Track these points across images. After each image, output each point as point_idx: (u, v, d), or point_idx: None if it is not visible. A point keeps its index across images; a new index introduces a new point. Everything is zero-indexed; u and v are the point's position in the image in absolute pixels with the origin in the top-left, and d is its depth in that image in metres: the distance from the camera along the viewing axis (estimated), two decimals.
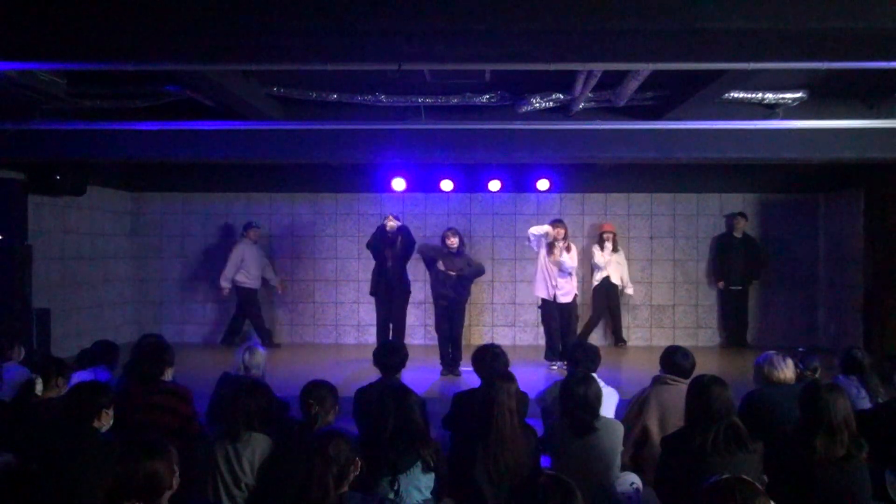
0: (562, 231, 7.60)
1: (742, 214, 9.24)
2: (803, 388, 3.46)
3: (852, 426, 3.15)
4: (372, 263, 7.79)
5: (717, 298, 9.47)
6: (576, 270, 7.71)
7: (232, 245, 9.04)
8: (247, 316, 8.97)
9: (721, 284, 9.26)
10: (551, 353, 7.65)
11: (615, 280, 8.97)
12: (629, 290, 9.05)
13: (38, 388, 3.99)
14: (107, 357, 4.86)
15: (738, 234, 9.17)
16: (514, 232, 9.58)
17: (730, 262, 9.13)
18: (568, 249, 7.63)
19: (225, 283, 8.75)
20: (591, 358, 4.37)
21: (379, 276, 7.67)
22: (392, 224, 7.44)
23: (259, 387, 3.67)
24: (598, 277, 8.95)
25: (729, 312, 9.33)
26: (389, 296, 7.66)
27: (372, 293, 7.80)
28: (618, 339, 9.23)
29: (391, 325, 7.69)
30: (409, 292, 7.79)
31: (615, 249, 8.99)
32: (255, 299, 8.93)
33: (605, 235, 8.99)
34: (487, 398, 3.43)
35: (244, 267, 8.77)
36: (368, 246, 7.74)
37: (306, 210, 9.77)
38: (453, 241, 7.27)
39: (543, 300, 7.64)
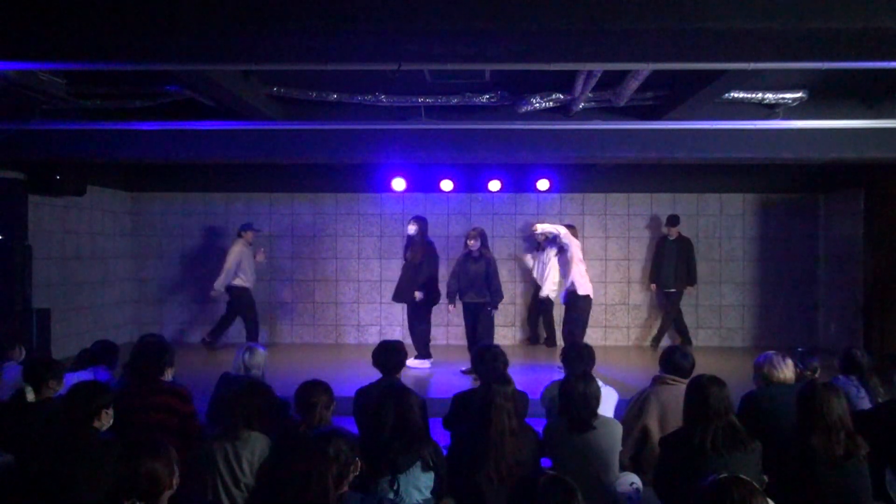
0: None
1: (670, 219, 9.15)
2: (800, 388, 3.47)
3: (848, 424, 3.16)
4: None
5: (656, 300, 9.40)
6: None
7: (226, 247, 8.89)
8: (241, 317, 8.75)
9: (653, 287, 9.24)
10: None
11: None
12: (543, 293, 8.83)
13: (30, 396, 3.94)
14: (107, 357, 4.85)
15: (671, 237, 9.12)
16: (513, 232, 9.59)
17: (663, 264, 9.10)
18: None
19: (219, 288, 8.53)
20: (584, 358, 4.37)
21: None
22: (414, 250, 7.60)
23: (259, 387, 3.68)
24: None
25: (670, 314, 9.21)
26: (404, 298, 7.73)
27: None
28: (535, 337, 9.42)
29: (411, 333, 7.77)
30: (418, 298, 7.57)
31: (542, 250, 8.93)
32: (250, 299, 8.78)
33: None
34: (485, 401, 3.43)
35: (241, 269, 8.57)
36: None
37: (306, 210, 9.77)
38: (473, 243, 7.39)
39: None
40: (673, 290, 9.07)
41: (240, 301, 8.66)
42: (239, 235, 8.76)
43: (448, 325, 9.20)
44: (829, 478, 3.04)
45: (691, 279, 9.12)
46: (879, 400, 4.28)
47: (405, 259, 7.74)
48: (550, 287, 8.42)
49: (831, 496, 3.03)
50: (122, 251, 9.69)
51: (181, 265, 9.83)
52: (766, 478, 3.25)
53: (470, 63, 4.47)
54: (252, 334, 8.56)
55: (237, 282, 8.58)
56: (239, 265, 8.55)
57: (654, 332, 9.31)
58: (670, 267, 9.03)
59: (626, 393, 4.81)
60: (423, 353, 7.66)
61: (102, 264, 9.23)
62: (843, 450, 3.07)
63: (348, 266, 9.71)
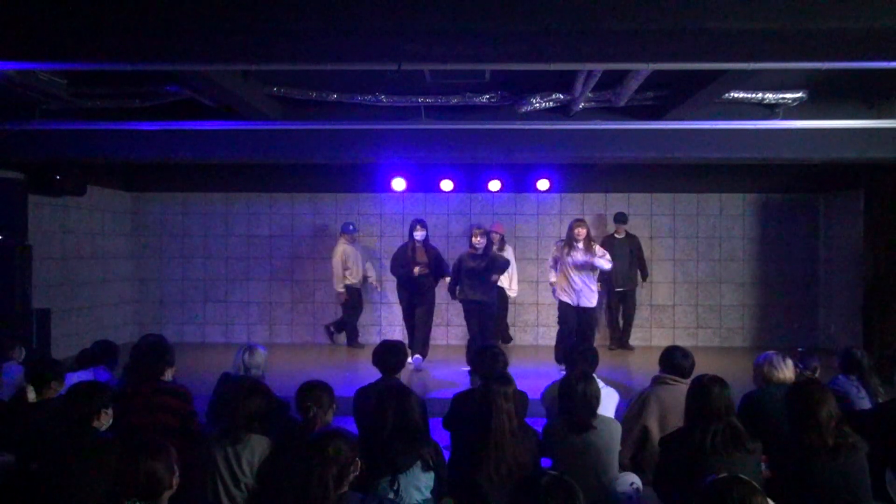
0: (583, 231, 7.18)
1: (618, 217, 8.97)
2: (787, 389, 3.48)
3: (837, 416, 3.17)
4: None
5: (604, 300, 9.07)
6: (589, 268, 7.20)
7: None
8: (343, 313, 9.05)
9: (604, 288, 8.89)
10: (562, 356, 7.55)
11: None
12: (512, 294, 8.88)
13: (31, 396, 3.95)
14: (107, 357, 4.86)
15: (619, 236, 8.92)
16: (513, 232, 9.58)
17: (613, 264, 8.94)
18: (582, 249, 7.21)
19: (339, 289, 8.80)
20: (588, 360, 4.37)
21: (406, 283, 7.69)
22: (419, 269, 7.52)
23: (259, 387, 3.67)
24: None
25: (614, 314, 9.05)
26: (412, 302, 7.68)
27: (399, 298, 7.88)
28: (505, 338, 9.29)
29: (416, 334, 7.69)
30: (433, 302, 7.77)
31: (500, 249, 8.75)
32: (356, 298, 9.03)
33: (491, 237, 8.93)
34: (485, 402, 3.43)
35: (347, 268, 8.79)
36: (392, 271, 7.81)
37: (306, 210, 9.77)
38: (480, 241, 7.14)
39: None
40: (621, 289, 8.88)
41: (350, 299, 8.91)
42: (341, 234, 8.98)
43: (448, 325, 9.21)
44: (827, 473, 3.04)
45: (643, 275, 9.01)
46: (879, 400, 4.29)
47: (417, 263, 7.54)
48: (514, 287, 8.77)
49: (829, 487, 3.04)
50: (122, 251, 9.69)
51: (181, 265, 9.82)
52: (765, 467, 3.26)
53: (470, 63, 4.46)
54: (349, 335, 9.03)
55: (348, 281, 8.80)
56: (344, 264, 8.78)
57: (619, 335, 9.10)
58: (621, 266, 8.70)
59: (627, 394, 4.81)
60: (425, 351, 7.67)
61: (102, 264, 9.22)
62: (833, 440, 3.08)
63: None
